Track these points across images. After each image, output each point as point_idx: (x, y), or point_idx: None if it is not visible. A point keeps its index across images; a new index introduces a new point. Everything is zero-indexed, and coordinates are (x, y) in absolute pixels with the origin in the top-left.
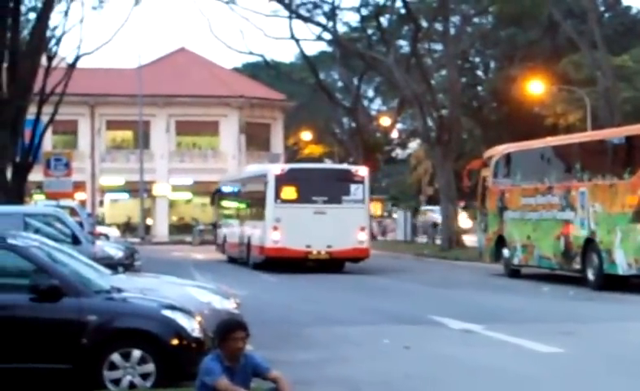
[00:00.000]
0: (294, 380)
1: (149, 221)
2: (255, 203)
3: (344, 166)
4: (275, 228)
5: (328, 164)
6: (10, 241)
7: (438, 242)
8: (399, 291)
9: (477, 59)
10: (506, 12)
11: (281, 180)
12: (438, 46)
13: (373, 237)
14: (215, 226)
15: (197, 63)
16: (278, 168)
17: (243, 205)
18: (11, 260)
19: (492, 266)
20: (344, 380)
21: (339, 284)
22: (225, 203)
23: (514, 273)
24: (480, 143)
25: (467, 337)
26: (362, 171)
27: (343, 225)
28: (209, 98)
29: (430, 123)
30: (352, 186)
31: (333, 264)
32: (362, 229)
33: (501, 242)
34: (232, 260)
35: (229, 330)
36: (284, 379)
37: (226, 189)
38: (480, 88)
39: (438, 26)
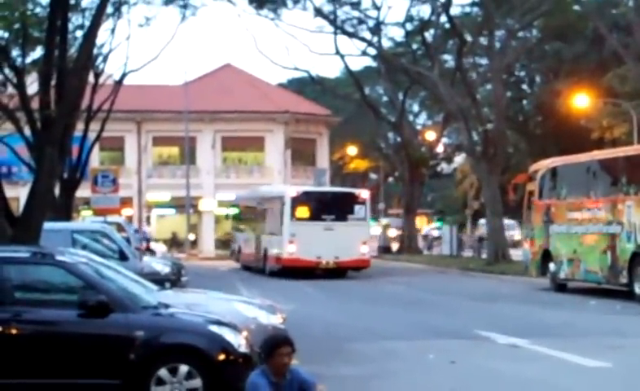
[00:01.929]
0: None
1: (191, 237)
2: (272, 219)
3: (349, 190)
4: (291, 241)
5: (335, 188)
6: (59, 257)
7: (484, 256)
8: (444, 305)
9: (522, 73)
10: (551, 26)
11: (296, 201)
12: (483, 60)
13: (399, 249)
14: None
15: (242, 79)
16: (293, 190)
17: (259, 220)
18: (60, 276)
19: (538, 281)
20: None
21: (384, 298)
22: (240, 218)
23: (560, 287)
24: (526, 157)
25: (513, 352)
26: (364, 194)
27: (348, 239)
28: (255, 114)
29: (475, 137)
30: (356, 207)
31: (339, 272)
32: (364, 243)
33: (547, 256)
34: (247, 268)
35: (275, 345)
36: None
37: (242, 205)
38: (525, 102)
39: (483, 40)
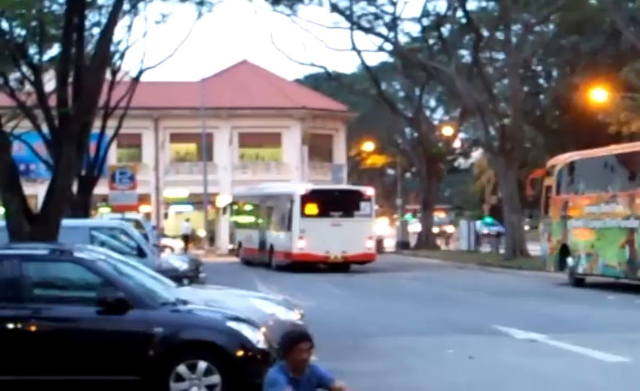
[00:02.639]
0: None
1: (201, 233)
2: (280, 216)
3: (355, 187)
4: (301, 237)
5: (342, 186)
6: (77, 254)
7: (502, 251)
8: (462, 300)
9: (539, 68)
10: (567, 20)
11: (305, 199)
12: (500, 55)
13: (416, 245)
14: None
15: (259, 76)
16: (303, 188)
17: (263, 217)
18: (78, 273)
19: (556, 275)
20: (409, 390)
21: (402, 294)
22: (240, 214)
23: (578, 282)
24: (543, 152)
25: (532, 347)
26: (369, 191)
27: (354, 235)
28: (272, 110)
29: (492, 132)
30: (362, 204)
31: (346, 266)
32: (370, 238)
33: (565, 251)
34: (247, 263)
35: (295, 341)
36: (348, 389)
37: (242, 203)
38: (542, 96)
39: (499, 35)
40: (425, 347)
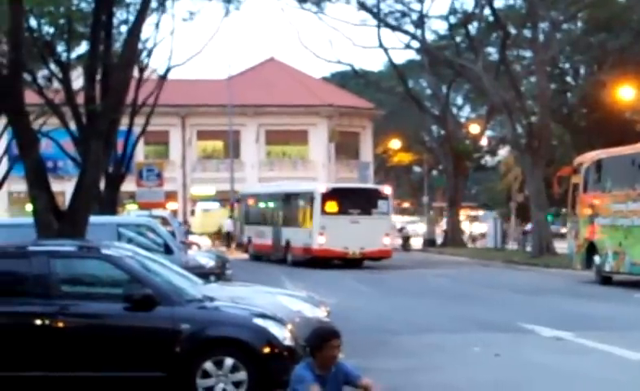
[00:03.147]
0: (384, 388)
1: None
2: (299, 213)
3: (373, 186)
4: (321, 233)
5: (360, 185)
6: (105, 251)
7: (528, 249)
8: (488, 298)
9: (567, 65)
10: (595, 18)
11: (325, 197)
12: (527, 53)
13: (443, 242)
14: None
15: (286, 73)
16: (323, 187)
17: (277, 214)
18: (106, 269)
19: (583, 273)
20: (435, 388)
21: (428, 291)
22: (249, 211)
23: (605, 280)
24: (570, 150)
25: (558, 345)
26: (387, 190)
27: (372, 231)
28: (298, 108)
29: (519, 130)
30: (380, 202)
31: (360, 261)
32: (387, 235)
33: (592, 249)
34: (257, 258)
35: (325, 338)
36: (375, 386)
37: (252, 200)
38: (569, 94)
39: (527, 33)
40: (451, 344)
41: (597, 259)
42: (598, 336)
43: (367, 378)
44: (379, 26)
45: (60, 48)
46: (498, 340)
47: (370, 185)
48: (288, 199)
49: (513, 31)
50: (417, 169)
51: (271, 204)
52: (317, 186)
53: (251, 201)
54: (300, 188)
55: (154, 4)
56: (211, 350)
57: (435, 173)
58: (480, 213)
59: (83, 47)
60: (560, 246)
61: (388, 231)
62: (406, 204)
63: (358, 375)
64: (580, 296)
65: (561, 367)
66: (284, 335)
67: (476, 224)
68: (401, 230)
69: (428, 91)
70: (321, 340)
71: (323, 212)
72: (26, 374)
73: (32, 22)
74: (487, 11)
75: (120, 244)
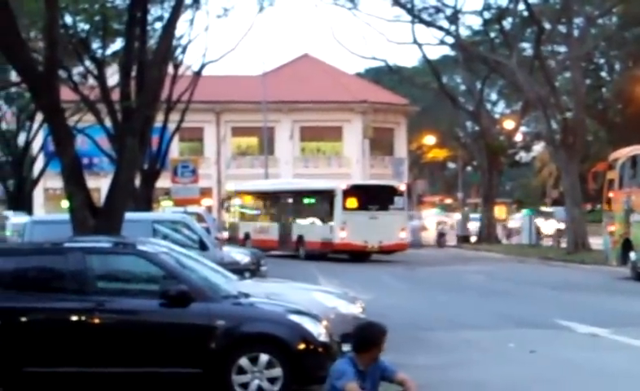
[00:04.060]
0: (419, 384)
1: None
2: (316, 209)
3: (390, 183)
4: (342, 228)
5: (378, 181)
6: (140, 247)
7: (563, 245)
8: (523, 294)
9: (602, 61)
10: (630, 12)
11: (346, 193)
12: (562, 48)
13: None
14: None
15: (320, 69)
16: (343, 184)
17: (286, 210)
18: (141, 266)
19: (618, 270)
20: (470, 384)
21: (463, 288)
22: (245, 207)
23: None
24: (606, 145)
25: (594, 341)
26: (402, 187)
27: (389, 226)
28: (333, 104)
29: (554, 125)
30: (396, 198)
31: (363, 255)
32: (403, 229)
33: (627, 245)
34: None
35: (376, 342)
36: (411, 381)
37: (250, 197)
38: (604, 89)
39: (561, 28)
40: (486, 341)
41: (632, 255)
42: (635, 332)
43: (403, 373)
44: (413, 22)
45: (95, 45)
46: (533, 337)
47: (387, 182)
48: (301, 195)
49: (547, 26)
50: (451, 165)
51: (274, 201)
52: (338, 184)
53: (247, 198)
54: (316, 185)
55: (188, 1)
56: (246, 346)
57: (469, 169)
58: (551, 209)
59: (118, 44)
60: (595, 242)
61: (404, 226)
62: (449, 200)
63: (394, 371)
64: (615, 293)
65: (596, 364)
66: (319, 331)
67: (552, 221)
68: (436, 225)
69: (462, 87)
70: (371, 343)
71: (344, 208)
72: (62, 370)
73: (68, 19)
74: (521, 7)
75: (156, 241)
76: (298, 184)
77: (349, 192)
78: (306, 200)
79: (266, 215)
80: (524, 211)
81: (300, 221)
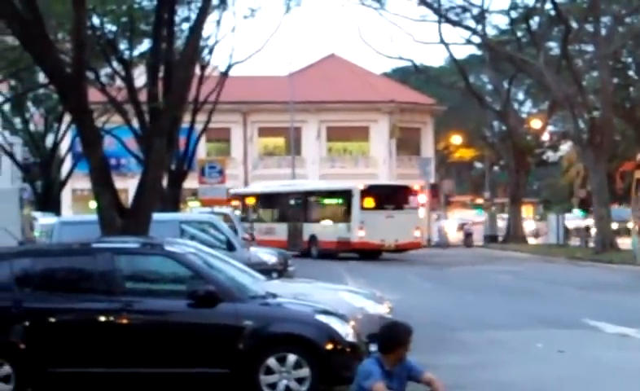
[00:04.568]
0: (447, 384)
1: None
2: (331, 209)
3: (405, 184)
4: (361, 228)
5: (394, 182)
6: (168, 248)
7: (591, 245)
8: (551, 294)
9: (629, 60)
10: None
11: (364, 193)
12: (589, 47)
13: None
14: None
15: (347, 69)
16: (361, 185)
17: (296, 211)
18: (169, 266)
19: None
20: (497, 384)
21: (490, 287)
22: (252, 210)
23: None
24: (633, 144)
25: (622, 341)
26: (416, 187)
27: (404, 225)
28: (359, 104)
29: (581, 125)
30: (410, 198)
31: (372, 254)
32: (417, 228)
33: None
34: None
35: (401, 341)
36: (438, 381)
37: (250, 198)
38: (632, 89)
39: (589, 27)
40: (514, 341)
41: None
42: None
43: (430, 373)
44: (439, 21)
45: (123, 46)
46: (562, 337)
47: (402, 183)
48: (313, 196)
49: (575, 25)
50: (478, 164)
51: (285, 202)
52: (355, 185)
53: (250, 201)
54: (331, 186)
55: (215, 1)
56: (274, 347)
57: (496, 168)
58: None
59: (145, 45)
60: (623, 241)
61: (418, 225)
62: (480, 200)
63: (421, 371)
64: None
65: (625, 364)
66: (347, 331)
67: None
68: (462, 226)
69: (489, 86)
70: (396, 343)
71: (362, 207)
72: (90, 370)
73: (95, 20)
74: (548, 6)
75: (183, 241)
76: (304, 185)
77: (367, 192)
78: (319, 201)
79: (274, 216)
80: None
81: (311, 221)
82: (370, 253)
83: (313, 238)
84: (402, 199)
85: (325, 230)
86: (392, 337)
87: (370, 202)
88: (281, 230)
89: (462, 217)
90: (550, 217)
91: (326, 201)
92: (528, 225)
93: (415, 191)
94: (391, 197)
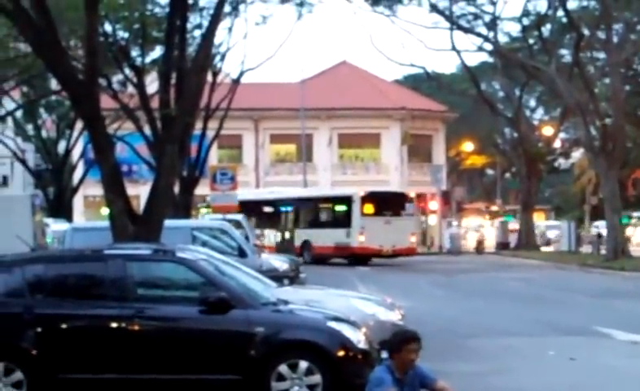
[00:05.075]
0: None
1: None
2: (327, 215)
3: (400, 191)
4: (361, 233)
5: (391, 190)
6: (179, 254)
7: (603, 252)
8: (563, 301)
9: None
10: None
11: (364, 200)
12: (601, 55)
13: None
14: None
15: (358, 76)
16: (361, 192)
17: (285, 218)
18: (181, 273)
19: None
20: None
21: (502, 294)
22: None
23: None
24: None
25: (634, 349)
26: (412, 194)
27: (401, 231)
28: (371, 111)
29: (593, 132)
30: (407, 205)
31: (362, 259)
32: (412, 234)
33: None
34: None
35: (404, 341)
36: (451, 389)
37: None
38: None
39: (601, 34)
40: (525, 348)
41: None
42: None
43: (443, 381)
44: (451, 29)
45: (135, 53)
46: (573, 344)
47: (398, 190)
48: (306, 203)
49: (586, 32)
50: (490, 171)
51: (276, 209)
52: (355, 192)
53: (259, 207)
54: (329, 193)
55: (227, 9)
56: (285, 353)
57: (508, 175)
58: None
59: (157, 52)
60: (636, 249)
61: (414, 231)
62: (495, 208)
63: (435, 379)
64: None
65: (637, 371)
66: (358, 338)
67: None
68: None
69: (501, 94)
70: (400, 343)
71: (362, 213)
72: (102, 376)
73: (108, 27)
74: (560, 13)
75: (195, 248)
76: (295, 193)
77: (366, 199)
78: (314, 207)
79: (262, 223)
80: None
81: (304, 227)
82: (360, 259)
83: (306, 243)
84: (399, 206)
85: (319, 236)
86: (395, 338)
87: (369, 208)
88: (269, 237)
89: (478, 223)
90: (562, 225)
91: (323, 207)
92: (546, 231)
93: (411, 198)
94: (389, 204)
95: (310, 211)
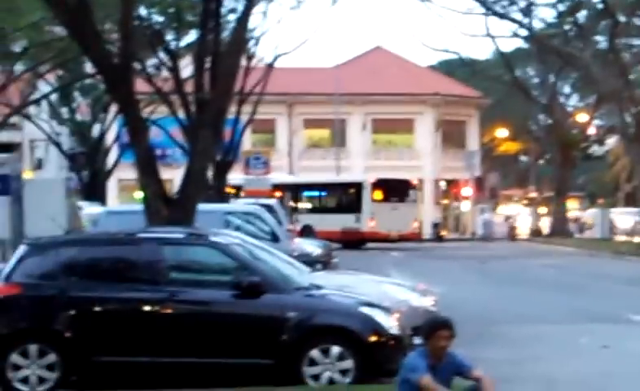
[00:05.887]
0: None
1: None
2: (337, 200)
3: (405, 178)
4: (372, 219)
5: (397, 177)
6: (213, 238)
7: (636, 240)
8: (596, 289)
9: None
10: None
11: (374, 186)
12: (636, 41)
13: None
14: None
15: (393, 62)
16: (371, 178)
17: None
18: (214, 257)
19: None
20: (542, 378)
21: (534, 282)
22: None
23: None
24: None
25: None
26: (415, 181)
27: (405, 216)
28: (405, 96)
29: (628, 119)
30: (411, 191)
31: (358, 242)
32: (415, 219)
33: None
34: None
35: (435, 328)
36: (488, 378)
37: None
38: None
39: (636, 21)
40: (557, 335)
41: None
42: None
43: (479, 370)
44: (486, 14)
45: (169, 37)
46: (606, 332)
47: (403, 177)
48: (325, 188)
49: (622, 19)
50: (523, 158)
51: (284, 194)
52: (366, 178)
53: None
54: (346, 179)
55: None
56: (318, 338)
57: (541, 162)
58: None
59: (192, 36)
60: None
61: (417, 217)
62: (533, 194)
63: (470, 367)
64: None
65: None
66: (390, 323)
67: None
68: (507, 219)
69: (536, 80)
70: (431, 330)
71: (372, 199)
72: (134, 359)
73: (142, 11)
74: None
75: (228, 232)
76: (312, 178)
77: (376, 185)
78: (325, 192)
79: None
80: None
81: (312, 213)
82: (355, 243)
83: (307, 227)
84: (404, 192)
85: (325, 220)
86: (427, 324)
87: (378, 194)
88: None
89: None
90: (595, 212)
91: (331, 193)
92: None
93: (414, 185)
94: (395, 190)
95: (316, 197)
